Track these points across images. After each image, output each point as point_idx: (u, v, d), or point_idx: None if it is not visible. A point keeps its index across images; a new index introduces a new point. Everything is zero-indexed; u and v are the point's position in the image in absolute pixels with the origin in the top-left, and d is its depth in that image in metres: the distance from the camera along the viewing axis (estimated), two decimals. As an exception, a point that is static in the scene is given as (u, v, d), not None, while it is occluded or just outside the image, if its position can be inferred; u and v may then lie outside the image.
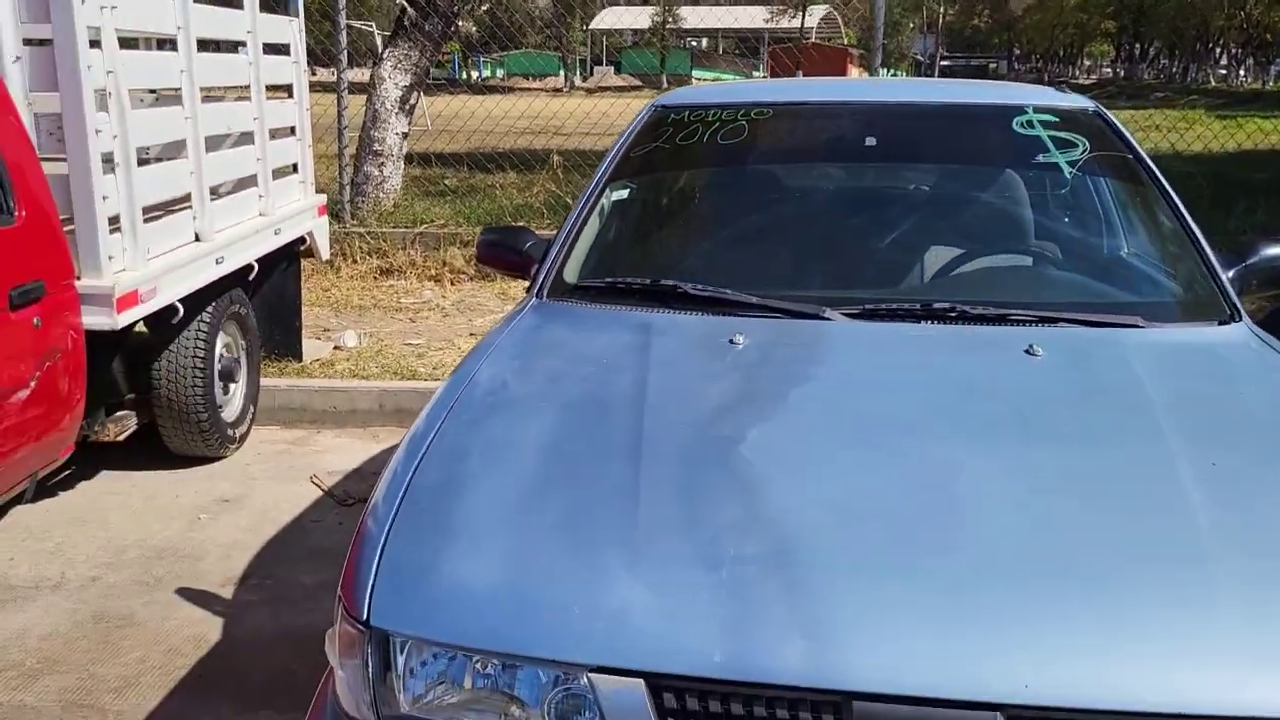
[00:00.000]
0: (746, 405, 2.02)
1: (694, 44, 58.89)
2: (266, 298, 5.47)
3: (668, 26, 52.18)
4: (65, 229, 3.46)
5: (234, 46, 5.04)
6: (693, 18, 49.11)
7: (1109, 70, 73.40)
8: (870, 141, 2.92)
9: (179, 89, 4.15)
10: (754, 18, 49.72)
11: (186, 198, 4.24)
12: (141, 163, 3.92)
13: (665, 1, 49.83)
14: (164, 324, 4.19)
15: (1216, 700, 1.35)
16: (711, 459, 1.81)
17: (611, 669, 1.45)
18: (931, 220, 2.76)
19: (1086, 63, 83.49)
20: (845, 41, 63.99)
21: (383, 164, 8.13)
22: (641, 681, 1.43)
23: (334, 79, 7.96)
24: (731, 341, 2.25)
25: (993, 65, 77.18)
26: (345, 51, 7.51)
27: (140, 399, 4.40)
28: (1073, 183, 2.76)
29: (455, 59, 50.85)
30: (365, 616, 1.57)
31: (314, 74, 6.49)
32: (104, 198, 3.51)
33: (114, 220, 3.61)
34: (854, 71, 59.63)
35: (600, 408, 2.04)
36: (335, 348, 6.04)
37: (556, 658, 1.48)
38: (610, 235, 2.87)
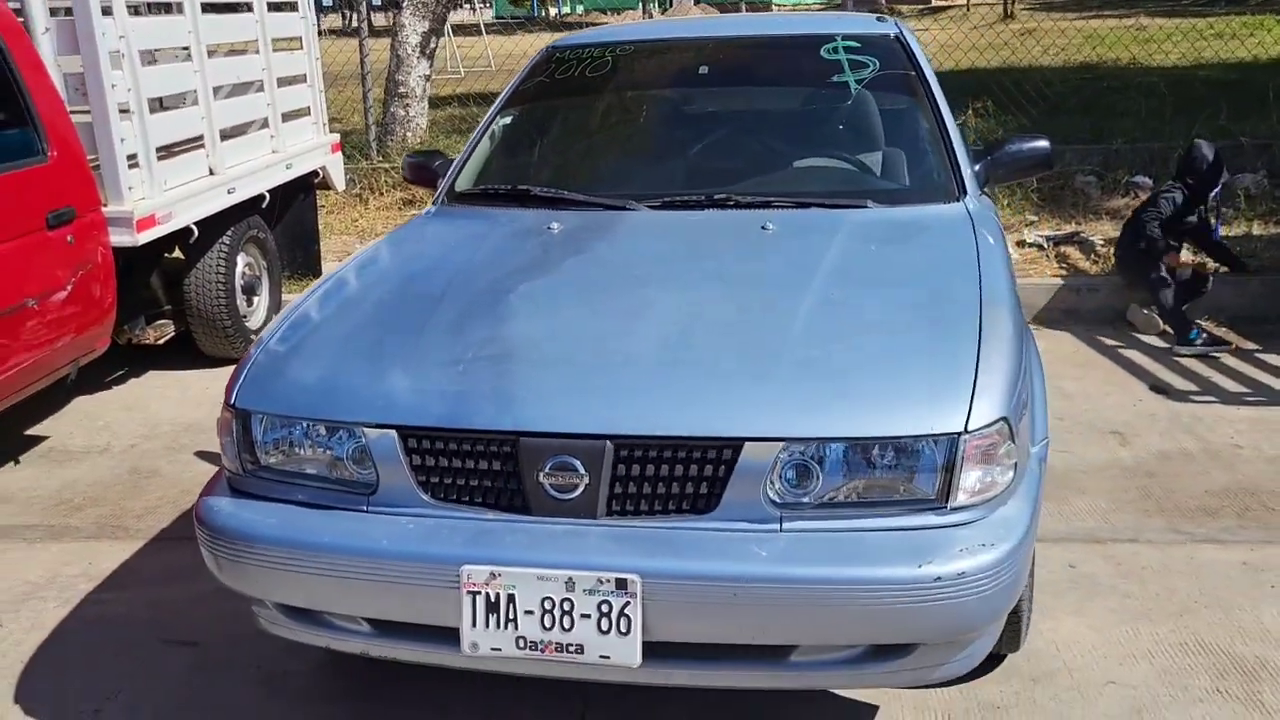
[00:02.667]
0: (533, 268, 2.77)
1: (774, -31, 58.33)
2: (289, 224, 6.35)
3: (747, -48, 51.52)
4: (94, 165, 4.33)
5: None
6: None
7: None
8: (703, 70, 3.61)
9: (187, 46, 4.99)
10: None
11: (200, 138, 5.09)
12: (160, 108, 4.78)
13: (744, -73, 49.44)
14: (192, 245, 5.08)
15: (745, 428, 2.07)
16: (486, 302, 2.58)
17: (377, 424, 2.23)
18: (736, 132, 3.45)
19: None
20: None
21: (408, 104, 8.94)
22: (394, 431, 2.22)
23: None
24: (548, 227, 3.01)
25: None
26: (366, 2, 8.26)
27: (176, 310, 5.32)
28: (857, 96, 3.41)
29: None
30: (234, 402, 2.39)
31: (343, 20, 7.24)
32: (121, 140, 4.37)
33: (133, 157, 4.48)
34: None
35: (432, 272, 2.82)
36: (355, 268, 6.89)
37: (347, 420, 2.27)
38: (494, 153, 3.62)
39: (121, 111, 4.40)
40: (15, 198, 3.82)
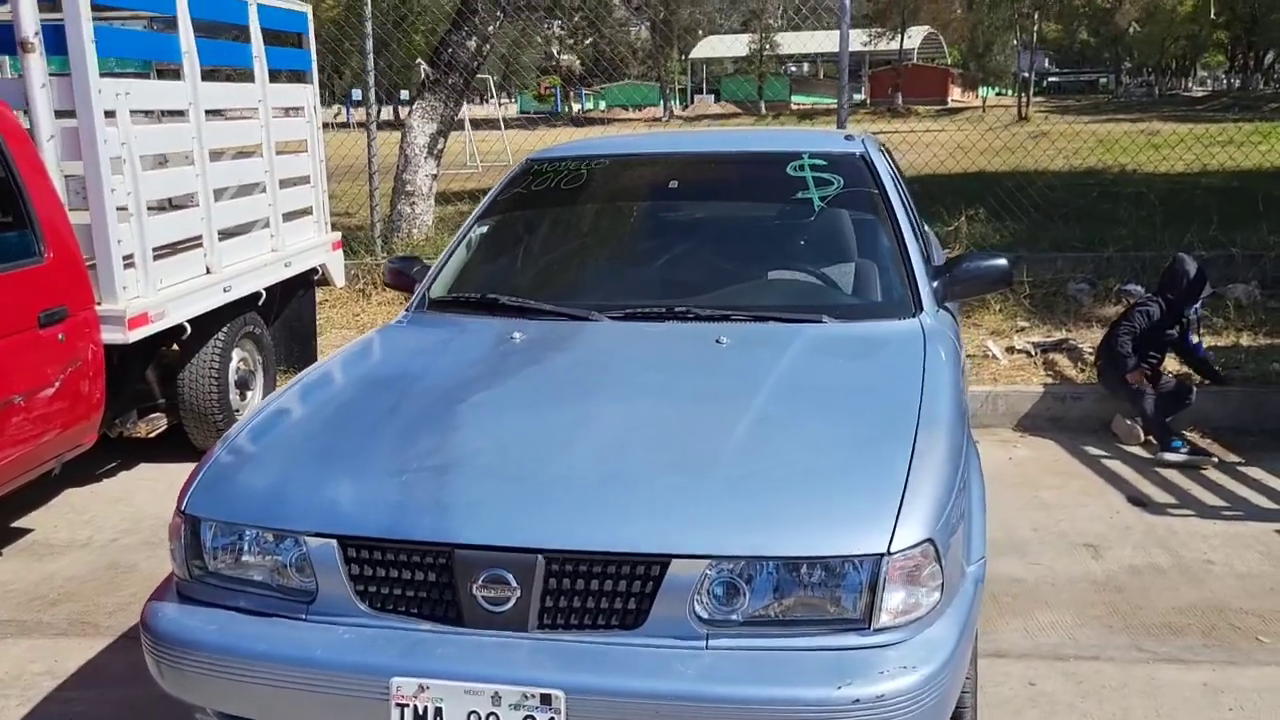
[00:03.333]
0: (489, 377, 2.84)
1: (793, 69, 59.68)
2: (287, 319, 6.48)
3: (765, 53, 52.77)
4: (90, 264, 4.47)
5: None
6: (793, 44, 49.64)
7: (1224, 80, 71.27)
8: (673, 184, 3.73)
9: (190, 151, 5.17)
10: (853, 41, 50.03)
11: (198, 238, 5.25)
12: (158, 210, 4.94)
13: (764, 29, 50.65)
14: (187, 341, 5.20)
15: (672, 544, 2.11)
16: (437, 411, 2.64)
17: (318, 533, 2.28)
18: (700, 246, 3.56)
19: (1202, 73, 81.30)
20: (948, 62, 63.94)
21: (414, 202, 9.16)
22: (335, 541, 2.26)
23: (389, 117, 9.00)
24: (511, 336, 3.09)
25: (1102, 80, 75.75)
26: (374, 102, 8.55)
27: (170, 403, 5.41)
28: (820, 214, 3.51)
29: (557, 93, 52.72)
30: (184, 508, 2.44)
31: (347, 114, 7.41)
32: (118, 241, 4.52)
33: (129, 257, 4.62)
34: (955, 91, 59.45)
35: (391, 380, 2.90)
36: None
37: (290, 528, 2.32)
38: (468, 263, 3.72)
39: (120, 209, 4.55)
40: (9, 297, 3.94)
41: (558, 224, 3.81)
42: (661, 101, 51.05)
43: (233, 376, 5.58)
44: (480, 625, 2.17)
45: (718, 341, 2.95)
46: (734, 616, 2.12)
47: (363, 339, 3.36)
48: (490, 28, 8.88)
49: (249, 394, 5.82)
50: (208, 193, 5.25)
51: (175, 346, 5.34)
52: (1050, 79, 74.57)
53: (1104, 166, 14.61)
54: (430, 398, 2.73)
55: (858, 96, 50.53)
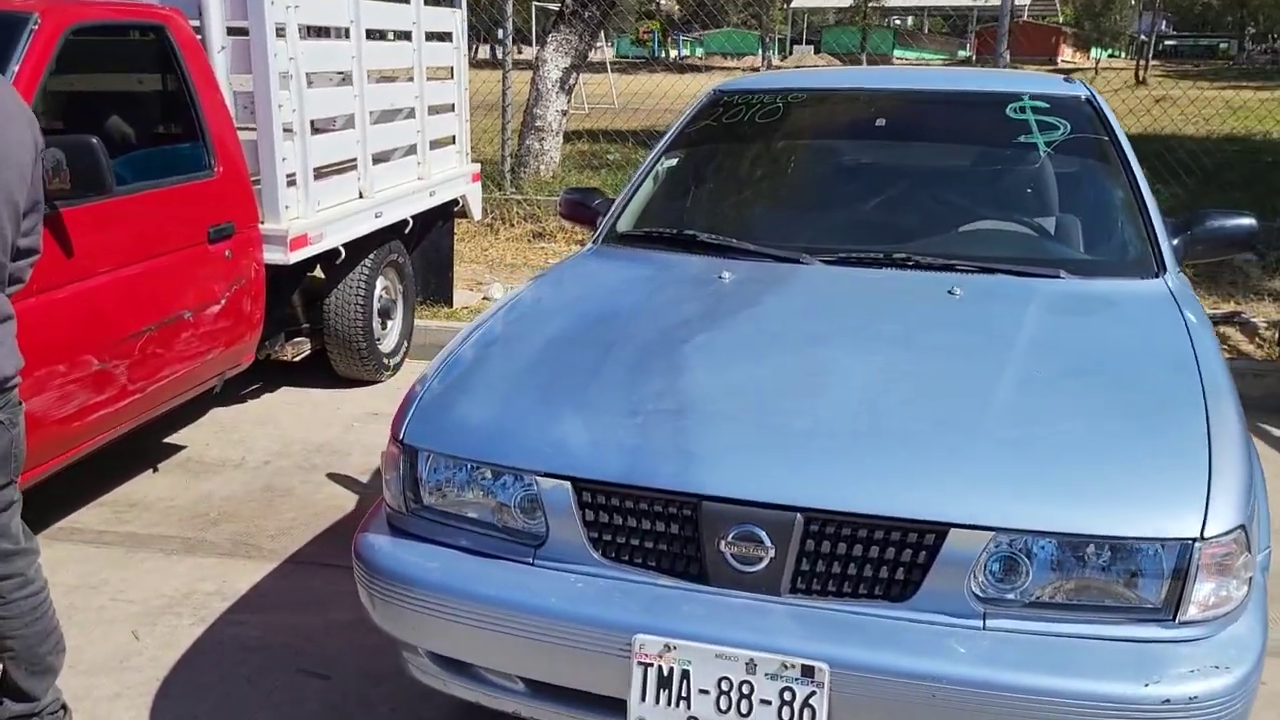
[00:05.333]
0: (706, 318, 2.66)
1: (898, 23, 58.00)
2: (425, 250, 6.38)
3: (871, 4, 51.33)
4: (254, 183, 4.38)
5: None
6: (901, -5, 48.14)
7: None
8: (880, 122, 3.48)
9: (349, 71, 5.05)
10: (961, -6, 48.35)
11: (353, 161, 5.14)
12: (317, 131, 4.83)
13: (871, -23, 49.23)
14: (332, 266, 5.11)
15: (953, 512, 1.91)
16: (660, 351, 2.46)
17: (551, 474, 2.13)
18: (917, 188, 3.30)
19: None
20: (1059, 20, 61.53)
21: (543, 138, 8.99)
22: (568, 483, 2.11)
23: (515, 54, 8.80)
24: (719, 276, 2.89)
25: (1223, 45, 72.28)
26: (510, 36, 8.36)
27: (314, 328, 5.35)
28: (1046, 159, 3.24)
29: (655, 37, 51.98)
30: (402, 437, 2.31)
31: (490, 52, 7.26)
32: (283, 159, 4.42)
33: (291, 177, 4.52)
34: (1065, 51, 57.25)
35: (601, 315, 2.73)
36: (484, 298, 6.91)
37: (519, 466, 2.17)
38: (657, 196, 3.53)
39: (284, 131, 4.45)
40: (182, 210, 3.86)
41: (753, 159, 3.59)
42: (760, 50, 50.02)
43: (376, 304, 5.50)
44: (727, 585, 2.01)
45: (950, 292, 2.72)
46: (1012, 596, 1.92)
47: (554, 269, 3.20)
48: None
49: (389, 323, 5.75)
50: (364, 114, 5.13)
51: (318, 271, 5.27)
52: (1167, 42, 71.25)
53: (1246, 133, 13.83)
54: (647, 336, 2.56)
55: (962, 54, 48.90)
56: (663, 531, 2.06)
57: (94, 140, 3.11)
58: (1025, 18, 58.03)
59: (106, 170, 3.16)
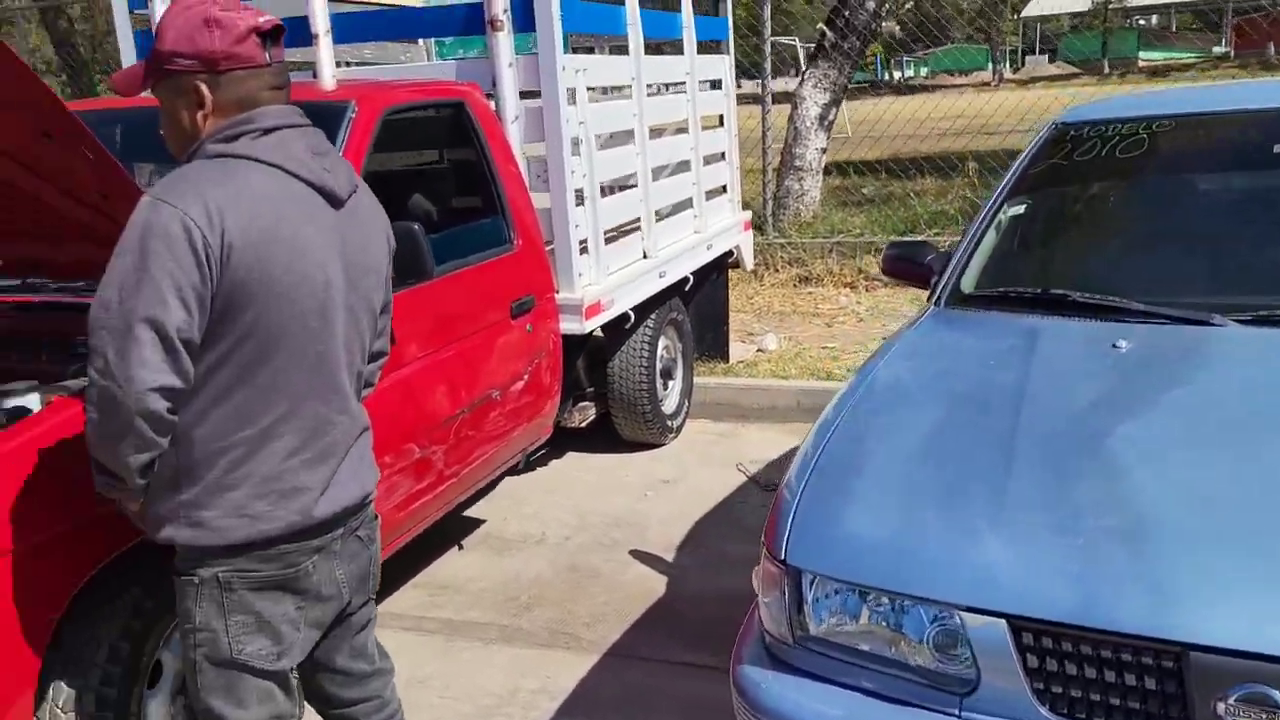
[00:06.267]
0: (1119, 402, 2.24)
1: (1141, 22, 54.38)
2: (699, 305, 6.17)
3: (1111, 5, 48.38)
4: (548, 251, 4.28)
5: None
6: (1144, -8, 45.06)
7: None
8: (1278, 149, 2.95)
9: (631, 130, 4.91)
10: (1218, -16, 44.76)
11: (636, 221, 4.99)
12: (601, 194, 4.71)
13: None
14: (617, 329, 4.97)
15: None
16: (1078, 447, 2.07)
17: (979, 609, 1.78)
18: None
19: None
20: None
21: (802, 178, 8.68)
22: (1004, 621, 1.76)
23: (757, 90, 8.55)
24: (1114, 346, 2.47)
25: None
26: (769, 73, 8.10)
27: (597, 392, 5.23)
28: None
29: (878, 60, 50.80)
30: (783, 557, 2.02)
31: (739, 86, 7.08)
32: (576, 225, 4.30)
33: (583, 244, 4.40)
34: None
35: (982, 400, 2.36)
36: (758, 350, 6.64)
37: (935, 597, 1.84)
38: (1005, 248, 3.13)
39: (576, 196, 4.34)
40: (488, 287, 3.78)
41: (1122, 201, 3.14)
42: (990, 64, 47.94)
43: (659, 365, 5.32)
44: (1227, 756, 1.60)
45: None
46: None
47: (901, 341, 2.84)
48: (891, -14, 8.18)
49: (670, 383, 5.56)
50: (646, 172, 4.98)
51: (600, 333, 5.14)
52: None
53: None
54: (1053, 426, 2.17)
55: (1217, 50, 45.13)
56: (1134, 686, 1.67)
57: (416, 227, 3.04)
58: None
59: (427, 255, 3.08)
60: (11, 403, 2.48)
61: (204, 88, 1.92)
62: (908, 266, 3.32)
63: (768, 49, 8.02)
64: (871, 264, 7.92)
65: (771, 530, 2.10)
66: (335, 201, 2.03)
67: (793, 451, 5.22)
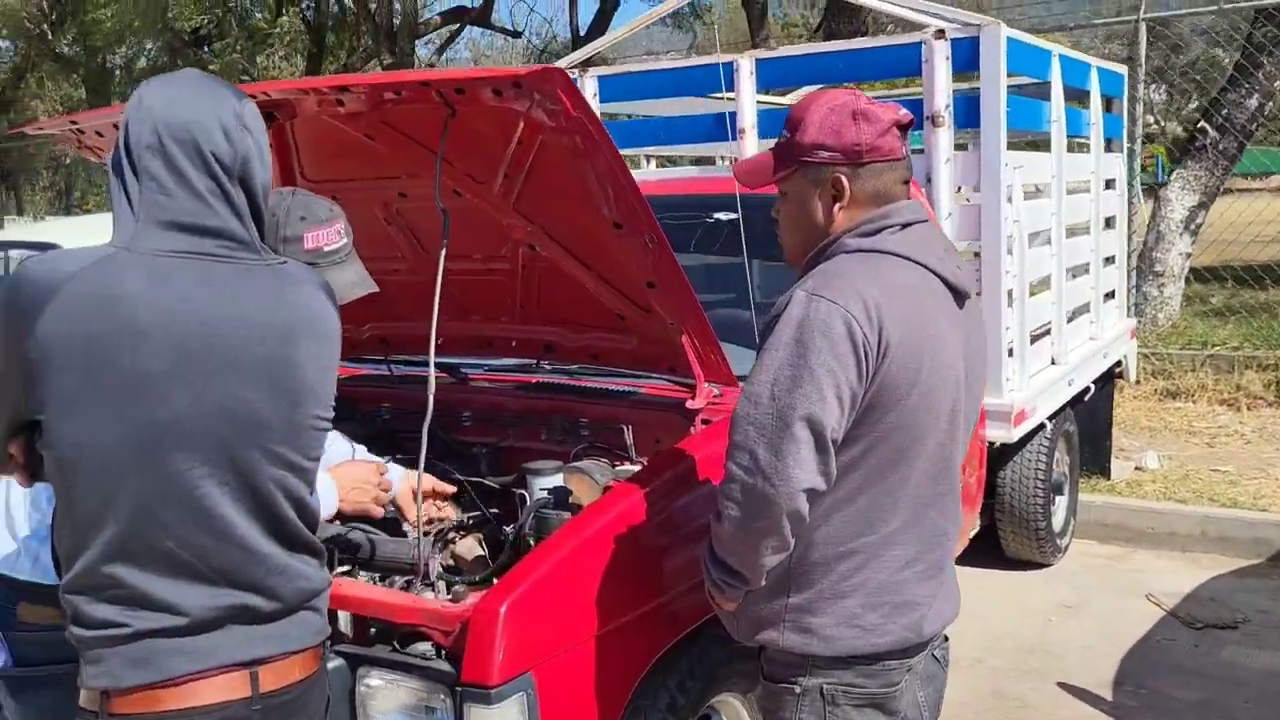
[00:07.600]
0: None
1: None
2: (1081, 416, 5.77)
3: None
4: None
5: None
6: None
7: None
8: None
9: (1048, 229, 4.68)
10: None
11: (1046, 325, 4.71)
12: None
13: None
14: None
15: None
16: None
17: None
18: None
19: None
20: None
21: (1163, 284, 8.11)
22: None
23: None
24: None
25: None
26: (1138, 171, 7.62)
27: (984, 503, 4.92)
28: None
29: (1158, 161, 47.87)
30: None
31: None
32: (1006, 328, 4.09)
33: (1010, 347, 4.17)
34: None
35: None
36: (1136, 468, 6.13)
37: None
38: None
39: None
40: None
41: None
42: (1290, 168, 44.08)
43: (1052, 478, 4.97)
44: None
45: None
46: None
47: None
48: (1277, 82, 7.61)
49: (1058, 498, 5.17)
50: (1061, 274, 4.72)
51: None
52: None
53: None
54: None
55: None
56: None
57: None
58: None
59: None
60: (547, 482, 2.51)
61: (844, 180, 1.87)
62: None
63: (1138, 148, 7.54)
64: (1254, 380, 7.23)
65: None
66: (961, 300, 1.92)
67: (1208, 586, 4.76)
